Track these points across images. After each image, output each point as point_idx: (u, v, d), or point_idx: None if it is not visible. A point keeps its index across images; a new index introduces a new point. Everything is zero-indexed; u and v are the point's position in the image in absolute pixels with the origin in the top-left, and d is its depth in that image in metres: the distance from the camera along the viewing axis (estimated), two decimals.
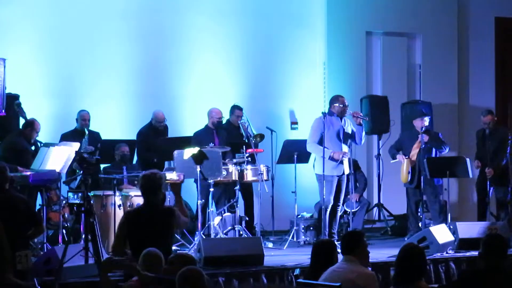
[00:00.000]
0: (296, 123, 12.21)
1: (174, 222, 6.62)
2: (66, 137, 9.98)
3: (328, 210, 9.33)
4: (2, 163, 7.33)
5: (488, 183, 10.53)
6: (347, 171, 9.46)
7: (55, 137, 10.24)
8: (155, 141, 10.27)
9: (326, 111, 9.62)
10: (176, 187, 7.28)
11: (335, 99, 9.48)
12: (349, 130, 9.45)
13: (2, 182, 7.03)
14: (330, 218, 9.34)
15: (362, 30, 12.66)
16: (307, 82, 12.35)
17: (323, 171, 9.18)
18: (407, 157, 10.35)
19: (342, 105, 9.37)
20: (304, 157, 10.50)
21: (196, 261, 5.71)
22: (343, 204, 10.65)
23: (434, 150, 10.38)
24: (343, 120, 9.43)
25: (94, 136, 10.19)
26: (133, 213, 6.79)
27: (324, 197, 9.26)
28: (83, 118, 10.23)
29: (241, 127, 10.45)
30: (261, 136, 10.43)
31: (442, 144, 10.39)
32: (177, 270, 4.95)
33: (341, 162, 9.32)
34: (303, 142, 9.73)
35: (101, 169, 9.69)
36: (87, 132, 10.06)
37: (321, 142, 9.27)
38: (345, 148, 9.40)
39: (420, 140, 10.19)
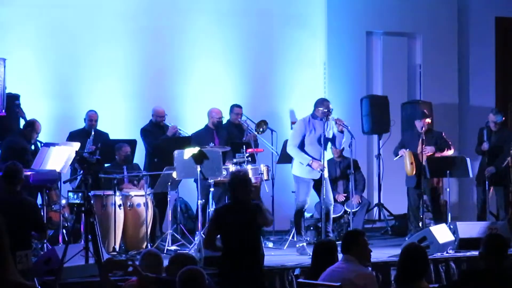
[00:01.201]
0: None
1: (260, 218, 6.71)
2: (74, 136, 10.06)
3: (304, 210, 9.33)
4: (18, 164, 7.29)
5: (487, 182, 10.54)
6: (326, 174, 9.44)
7: (54, 137, 10.24)
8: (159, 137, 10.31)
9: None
10: (254, 191, 7.46)
11: (320, 103, 9.39)
12: (330, 133, 9.42)
13: (15, 184, 7.04)
14: (326, 218, 9.32)
15: (362, 30, 12.66)
16: (307, 82, 12.34)
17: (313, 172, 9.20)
18: (407, 149, 10.32)
19: (326, 110, 9.30)
20: None
21: (197, 261, 5.72)
22: (343, 204, 10.68)
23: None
24: (326, 123, 9.38)
25: (100, 137, 10.20)
26: (223, 208, 6.91)
27: (300, 198, 9.35)
28: (90, 119, 10.25)
29: (243, 125, 10.49)
30: (265, 123, 10.44)
31: (447, 148, 10.38)
32: (177, 270, 4.95)
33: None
34: None
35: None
36: (93, 132, 10.07)
37: (302, 145, 9.28)
38: (325, 153, 9.34)
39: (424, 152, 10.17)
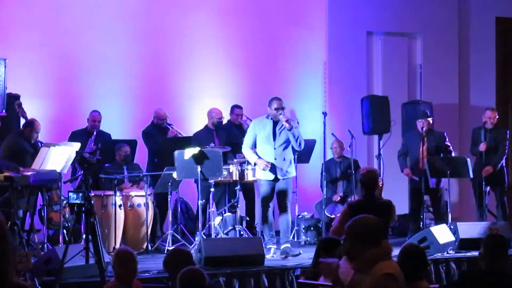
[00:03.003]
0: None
1: (391, 214, 7.08)
2: (75, 135, 10.06)
3: (265, 212, 9.15)
4: None
5: (483, 182, 10.53)
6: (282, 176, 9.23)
7: (54, 137, 10.23)
8: (158, 140, 10.31)
9: (326, 112, 9.57)
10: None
11: (269, 102, 9.16)
12: (284, 133, 9.11)
13: None
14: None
15: (362, 30, 12.66)
16: (307, 82, 12.35)
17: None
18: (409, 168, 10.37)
19: (277, 108, 9.07)
20: (304, 157, 10.49)
21: (191, 255, 5.70)
22: (342, 204, 10.67)
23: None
24: (279, 122, 9.10)
25: (102, 137, 10.19)
26: (356, 203, 7.16)
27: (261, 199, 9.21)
28: (93, 119, 10.24)
29: (243, 125, 10.49)
30: None
31: (448, 153, 10.38)
32: (175, 268, 4.96)
33: (271, 169, 9.09)
34: (304, 142, 9.69)
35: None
36: (95, 132, 10.07)
37: (254, 146, 9.19)
38: (276, 152, 9.08)
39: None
